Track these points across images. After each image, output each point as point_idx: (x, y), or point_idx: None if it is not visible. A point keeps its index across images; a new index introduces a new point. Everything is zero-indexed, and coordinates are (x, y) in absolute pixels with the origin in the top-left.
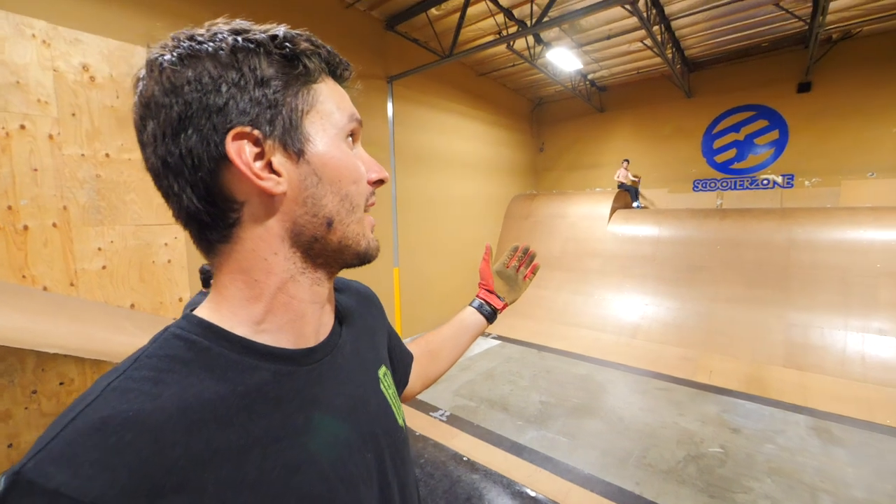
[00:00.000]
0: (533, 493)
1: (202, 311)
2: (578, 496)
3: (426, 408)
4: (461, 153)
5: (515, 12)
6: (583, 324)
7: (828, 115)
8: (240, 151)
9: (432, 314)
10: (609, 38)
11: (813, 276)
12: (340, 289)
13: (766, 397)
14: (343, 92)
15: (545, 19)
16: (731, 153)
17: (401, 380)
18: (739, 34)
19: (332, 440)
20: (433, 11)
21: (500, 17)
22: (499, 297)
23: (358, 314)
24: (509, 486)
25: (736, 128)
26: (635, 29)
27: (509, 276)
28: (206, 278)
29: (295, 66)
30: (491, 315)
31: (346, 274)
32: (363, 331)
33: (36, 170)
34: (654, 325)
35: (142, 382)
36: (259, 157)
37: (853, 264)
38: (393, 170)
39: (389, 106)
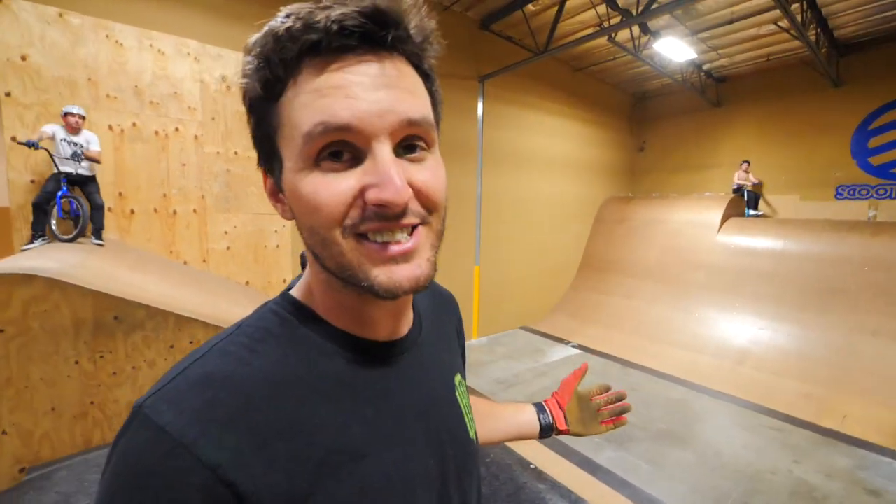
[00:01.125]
0: None
1: (297, 291)
2: None
3: None
4: (551, 152)
5: (619, 1)
6: (678, 342)
7: None
8: (264, 180)
9: (509, 316)
10: (731, 21)
11: None
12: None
13: None
14: (329, 80)
15: (654, 6)
16: (893, 154)
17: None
18: None
19: (398, 438)
20: (529, 7)
21: (602, 8)
22: (565, 418)
23: (438, 318)
24: (577, 503)
25: None
26: (768, 9)
27: (588, 407)
28: (304, 263)
29: (262, 77)
30: (547, 429)
31: None
32: (442, 335)
33: (184, 164)
34: (768, 353)
35: (239, 347)
36: (275, 185)
37: None
38: (479, 169)
39: (479, 106)
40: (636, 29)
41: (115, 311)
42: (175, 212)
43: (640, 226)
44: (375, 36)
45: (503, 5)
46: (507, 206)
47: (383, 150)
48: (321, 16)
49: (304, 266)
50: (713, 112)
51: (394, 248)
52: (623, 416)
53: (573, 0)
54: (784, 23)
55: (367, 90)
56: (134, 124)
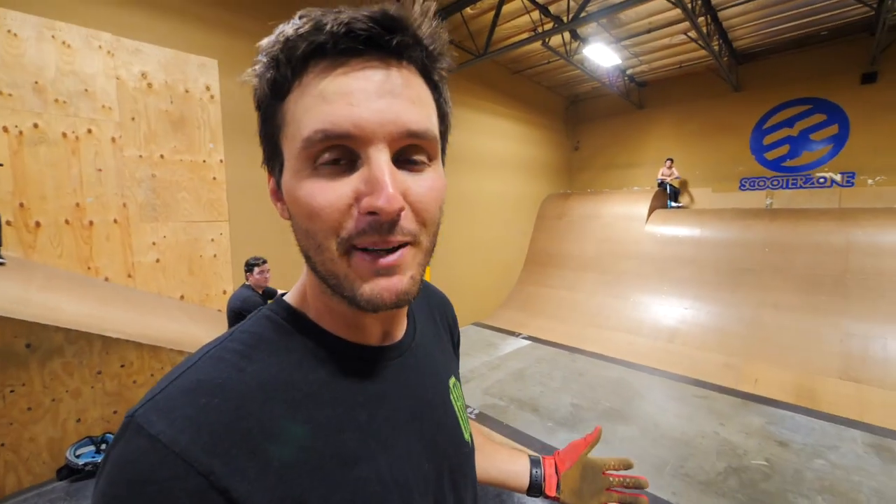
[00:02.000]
0: None
1: (291, 296)
2: None
3: None
4: (494, 152)
5: (552, 8)
6: (617, 327)
7: None
8: (268, 179)
9: (461, 313)
10: (650, 31)
11: (876, 283)
12: (422, 293)
13: (817, 410)
14: (333, 84)
15: (582, 15)
16: (783, 150)
17: None
18: (796, 22)
19: (392, 442)
20: (468, 11)
21: (536, 14)
22: (558, 484)
23: (432, 321)
24: None
25: (789, 123)
26: (679, 21)
27: (594, 481)
28: (246, 271)
29: (270, 77)
30: (535, 488)
31: None
32: (436, 338)
33: (100, 170)
34: (693, 330)
35: (232, 354)
36: (277, 185)
37: None
38: None
39: None
40: (567, 35)
41: (27, 338)
42: (91, 223)
43: (577, 220)
44: (382, 41)
45: (443, 6)
46: (455, 206)
47: (379, 156)
48: (329, 18)
49: (246, 276)
50: (637, 114)
51: (381, 261)
52: (639, 499)
53: (509, 5)
54: (693, 34)
55: (370, 97)
56: (36, 125)
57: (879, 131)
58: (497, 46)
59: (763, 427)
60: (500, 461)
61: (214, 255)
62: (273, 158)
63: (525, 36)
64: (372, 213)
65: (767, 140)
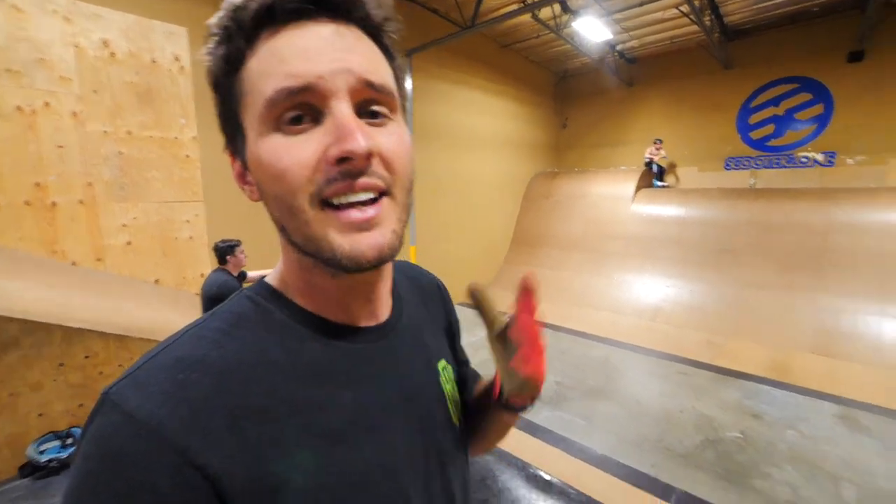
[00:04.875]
0: (548, 477)
1: (271, 278)
2: (592, 477)
3: None
4: (481, 129)
5: None
6: (601, 306)
7: (880, 88)
8: (232, 164)
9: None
10: (641, 4)
11: (851, 261)
12: (409, 275)
13: (790, 384)
14: (287, 44)
15: None
16: (769, 129)
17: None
18: None
19: (378, 424)
20: None
21: None
22: (501, 388)
23: (422, 304)
24: (524, 468)
25: (775, 101)
26: None
27: (503, 351)
28: (221, 255)
29: (223, 51)
30: (499, 404)
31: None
32: (426, 321)
33: (61, 147)
34: (675, 309)
35: (213, 332)
36: (242, 166)
37: None
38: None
39: (408, 80)
40: (557, 7)
41: None
42: (55, 203)
43: (564, 200)
44: (329, 2)
45: None
46: (442, 185)
47: (342, 106)
48: None
49: (221, 260)
50: (626, 91)
51: (356, 214)
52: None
53: None
54: (685, 8)
55: (325, 52)
56: None
57: (861, 111)
58: (484, 18)
59: (739, 401)
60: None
61: (190, 237)
62: (235, 137)
63: (514, 7)
64: (342, 159)
65: (753, 119)
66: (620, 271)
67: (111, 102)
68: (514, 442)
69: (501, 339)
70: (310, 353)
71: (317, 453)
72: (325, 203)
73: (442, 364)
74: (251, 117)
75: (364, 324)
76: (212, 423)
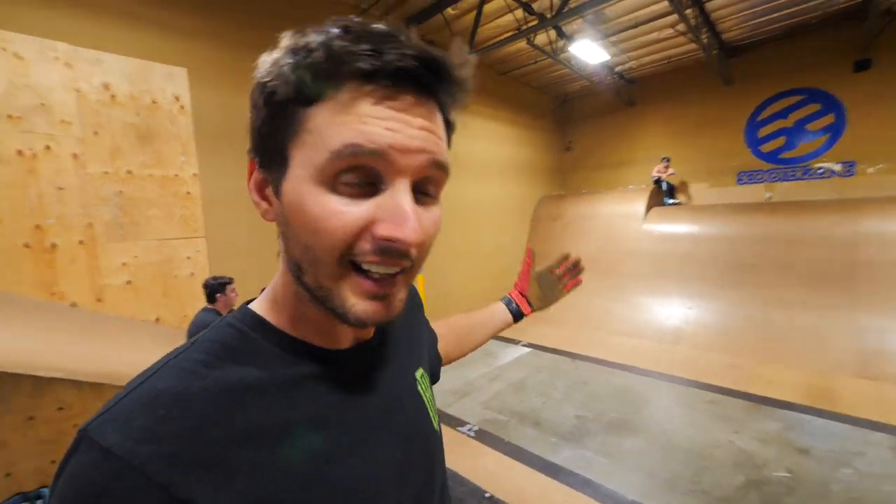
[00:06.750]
0: None
1: (257, 304)
2: None
3: (454, 422)
4: (485, 156)
5: (535, 6)
6: (620, 330)
7: (894, 94)
8: (249, 173)
9: None
10: (636, 26)
11: (887, 274)
12: None
13: (836, 412)
14: (376, 106)
15: (565, 10)
16: (780, 142)
17: (432, 364)
18: (784, 12)
19: (363, 440)
20: (449, 11)
21: (519, 13)
22: (529, 304)
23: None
24: None
25: (783, 114)
26: (666, 14)
27: (550, 282)
28: (211, 293)
29: (299, 81)
30: (517, 315)
31: None
32: (403, 331)
33: (61, 189)
34: (698, 331)
35: (194, 363)
36: (265, 182)
37: None
38: None
39: None
40: (553, 33)
41: None
42: (54, 245)
43: (574, 221)
44: (425, 80)
45: (423, 8)
46: (447, 213)
47: (405, 187)
48: (382, 47)
49: (210, 298)
50: (628, 111)
51: (376, 284)
52: (580, 276)
53: (491, 4)
54: (681, 27)
55: (407, 128)
56: None
57: (877, 119)
58: (481, 46)
59: (780, 433)
60: (487, 318)
61: (192, 274)
62: (271, 157)
63: (510, 34)
64: (389, 240)
65: (762, 132)
66: (637, 293)
67: (111, 143)
68: (537, 489)
69: (546, 275)
70: (293, 378)
71: (305, 475)
72: (352, 263)
73: (420, 373)
74: (304, 156)
75: (347, 345)
76: (195, 456)
